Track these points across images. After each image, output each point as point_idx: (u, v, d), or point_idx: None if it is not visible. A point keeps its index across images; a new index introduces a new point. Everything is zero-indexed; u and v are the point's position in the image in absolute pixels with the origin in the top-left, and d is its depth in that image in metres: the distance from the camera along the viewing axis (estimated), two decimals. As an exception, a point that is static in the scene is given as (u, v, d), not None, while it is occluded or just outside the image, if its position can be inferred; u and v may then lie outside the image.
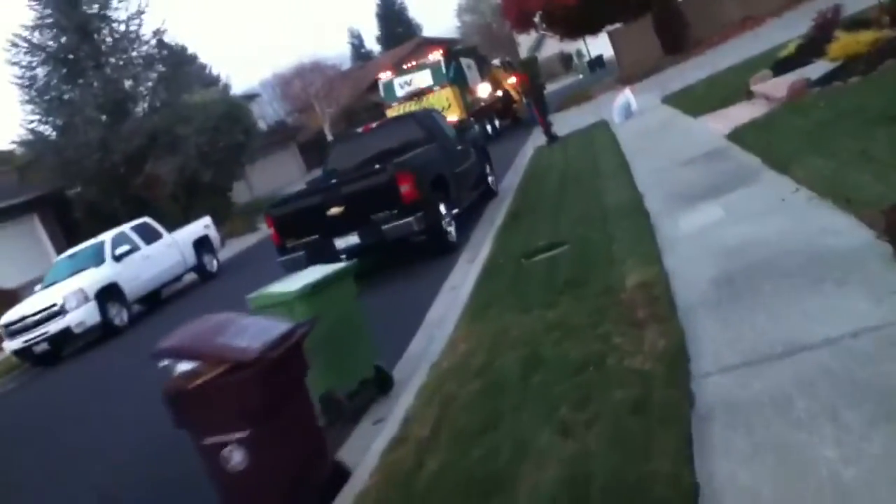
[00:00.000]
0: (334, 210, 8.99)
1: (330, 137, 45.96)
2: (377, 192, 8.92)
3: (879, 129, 6.15)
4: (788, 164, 6.58)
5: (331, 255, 9.30)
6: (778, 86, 10.17)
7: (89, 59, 27.21)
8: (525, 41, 63.01)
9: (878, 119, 6.49)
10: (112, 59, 28.22)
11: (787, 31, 17.24)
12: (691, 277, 4.91)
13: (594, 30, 30.39)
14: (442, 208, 9.64)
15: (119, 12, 28.38)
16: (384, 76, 24.72)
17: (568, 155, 13.35)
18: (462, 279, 7.96)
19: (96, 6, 27.65)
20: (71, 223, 27.06)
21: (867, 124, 6.50)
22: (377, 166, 9.49)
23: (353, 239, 9.02)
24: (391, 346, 6.36)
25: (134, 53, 28.69)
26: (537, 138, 17.95)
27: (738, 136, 8.75)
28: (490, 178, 12.96)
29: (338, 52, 70.72)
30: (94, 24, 27.64)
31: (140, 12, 28.07)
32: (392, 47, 60.75)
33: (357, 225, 9.01)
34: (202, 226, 18.01)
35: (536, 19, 28.60)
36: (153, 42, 29.34)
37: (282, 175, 39.66)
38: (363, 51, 74.22)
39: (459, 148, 11.54)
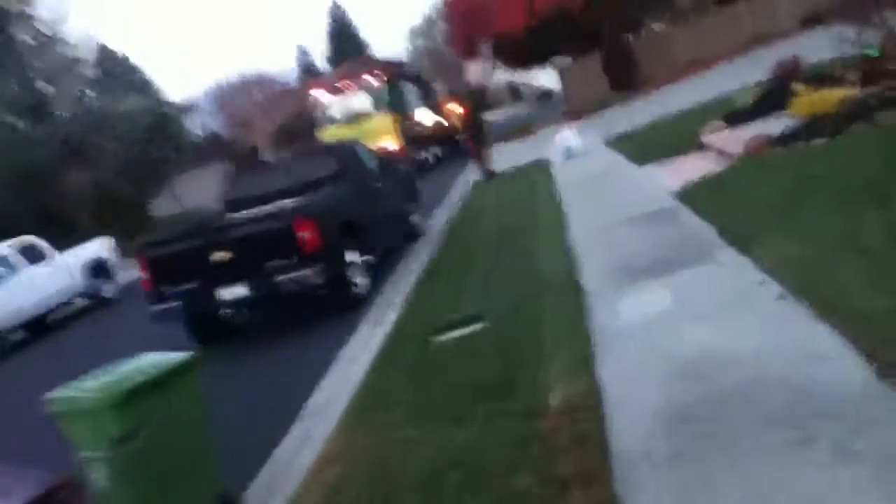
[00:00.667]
0: (219, 255, 7.57)
1: (264, 156, 44.30)
2: (272, 238, 7.55)
3: (863, 209, 5.09)
4: (751, 241, 5.49)
5: (212, 307, 7.89)
6: (733, 140, 9.21)
7: (5, 58, 25.13)
8: (474, 69, 62.59)
9: (858, 194, 5.44)
10: (31, 61, 26.17)
11: (737, 77, 16.55)
12: (633, 405, 3.69)
13: (541, 62, 29.68)
14: (351, 257, 8.31)
15: (41, 11, 26.33)
16: (319, 95, 23.32)
17: (503, 197, 12.20)
18: (361, 350, 6.63)
19: (17, 3, 25.63)
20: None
21: (845, 200, 5.45)
22: (274, 210, 8.13)
23: (239, 290, 7.61)
24: (255, 447, 5.00)
25: (56, 56, 26.65)
26: (476, 172, 16.79)
27: (689, 195, 7.70)
28: (417, 218, 11.69)
29: (287, 69, 69.18)
30: (11, 21, 25.58)
31: (65, 12, 26.08)
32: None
33: (246, 274, 7.61)
34: (99, 246, 16.23)
35: (484, 48, 27.72)
36: (78, 46, 27.34)
37: (213, 188, 37.73)
38: (311, 69, 72.66)
39: (381, 186, 10.24)
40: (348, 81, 23.43)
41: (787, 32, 23.16)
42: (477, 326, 5.84)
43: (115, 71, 53.51)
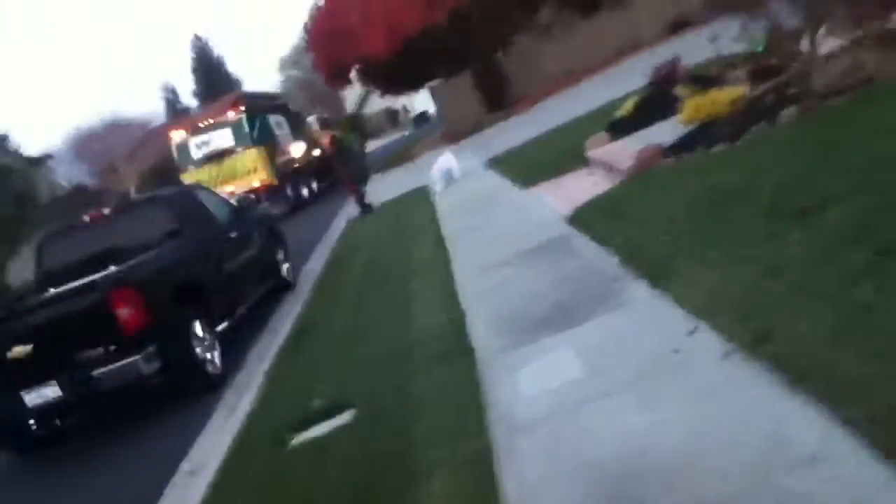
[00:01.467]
0: (18, 350, 5.97)
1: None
2: (83, 319, 6.03)
3: (790, 224, 4.19)
4: (663, 273, 4.52)
5: (19, 417, 6.24)
6: (620, 152, 8.38)
7: None
8: (351, 96, 61.44)
9: (779, 205, 4.56)
10: None
11: (612, 87, 16.11)
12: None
13: (413, 85, 28.84)
14: (197, 328, 6.87)
15: None
16: (176, 136, 21.42)
17: (380, 233, 11.00)
18: (207, 456, 5.24)
19: None
20: None
21: (767, 214, 4.56)
22: (82, 283, 6.60)
23: (49, 391, 6.02)
24: None
25: None
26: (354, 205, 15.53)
27: (582, 219, 6.75)
28: (285, 266, 10.30)
29: (151, 109, 65.71)
30: None
31: None
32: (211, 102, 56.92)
33: (56, 370, 6.04)
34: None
35: (353, 74, 26.59)
36: None
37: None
38: (178, 106, 69.45)
39: (235, 235, 8.82)
40: (208, 118, 21.69)
41: (654, 39, 23.25)
42: (345, 417, 4.58)
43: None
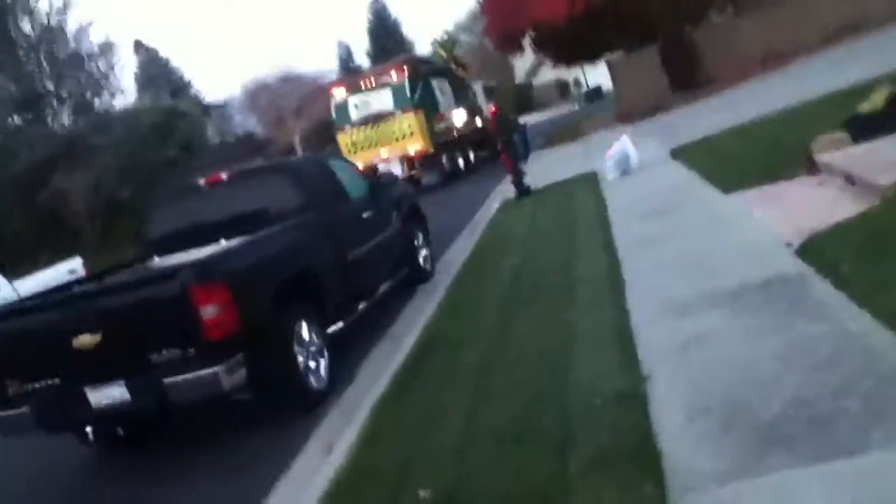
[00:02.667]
0: (85, 339, 4.91)
1: (300, 152, 42.04)
2: (161, 313, 4.87)
3: None
4: None
5: (81, 416, 5.21)
6: (872, 160, 6.24)
7: (1, 52, 23.14)
8: (521, 65, 59.48)
9: None
10: (32, 55, 24.14)
11: (829, 75, 13.43)
12: None
13: (590, 57, 26.63)
14: (303, 330, 5.60)
15: (41, 3, 24.23)
16: (336, 93, 20.62)
17: (536, 226, 9.34)
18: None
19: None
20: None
21: None
22: (163, 268, 5.48)
23: (116, 392, 4.94)
24: None
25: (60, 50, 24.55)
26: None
27: (823, 253, 4.81)
28: (423, 253, 8.93)
29: (326, 66, 67.03)
30: (10, 14, 23.53)
31: (66, 5, 23.99)
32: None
33: (126, 368, 4.95)
34: (66, 271, 13.81)
35: (525, 41, 24.77)
36: (84, 39, 25.20)
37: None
38: (352, 65, 70.49)
39: (368, 215, 7.52)
40: (369, 78, 20.74)
41: (881, 22, 19.74)
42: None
43: (152, 70, 52.22)
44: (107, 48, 25.24)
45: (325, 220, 6.60)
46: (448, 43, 40.89)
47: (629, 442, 3.32)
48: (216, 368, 4.74)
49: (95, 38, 30.96)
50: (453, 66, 26.72)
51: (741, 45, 22.68)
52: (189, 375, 4.75)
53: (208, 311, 4.77)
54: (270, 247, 5.73)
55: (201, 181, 6.93)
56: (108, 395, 4.98)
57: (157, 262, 6.84)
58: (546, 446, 3.52)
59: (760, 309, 4.34)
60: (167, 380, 4.79)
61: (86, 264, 14.45)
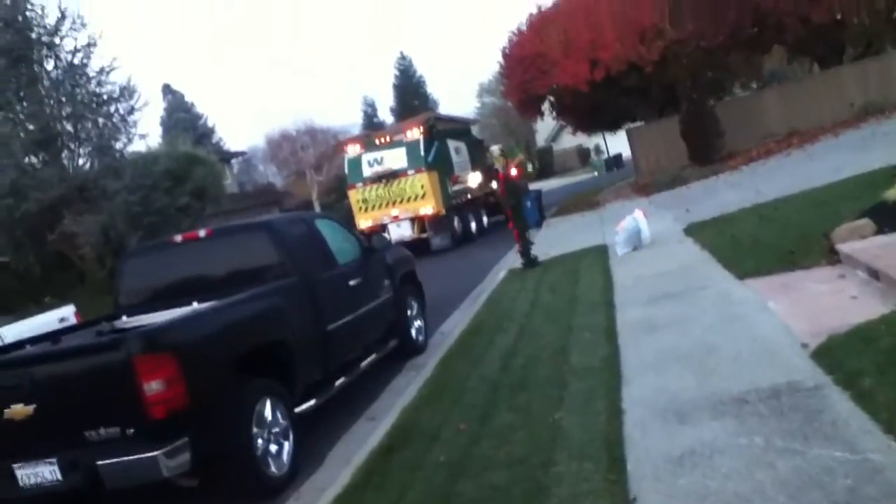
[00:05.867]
0: (17, 410, 4.45)
1: (317, 207, 42.02)
2: (100, 386, 4.41)
3: None
4: None
5: (3, 496, 4.71)
6: (899, 254, 5.73)
7: (21, 90, 23.28)
8: (543, 129, 59.72)
9: None
10: (53, 94, 24.27)
11: (852, 156, 13.01)
12: None
13: (610, 125, 26.43)
14: (266, 410, 5.10)
15: (66, 41, 24.44)
16: (351, 149, 20.44)
17: (538, 302, 8.82)
18: None
19: (42, 32, 23.84)
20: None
21: None
22: (103, 334, 5.04)
23: (46, 471, 4.45)
24: None
25: (80, 90, 24.63)
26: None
27: (841, 360, 4.29)
28: (417, 324, 8.43)
29: (350, 121, 67.62)
30: (34, 50, 23.76)
31: (90, 45, 24.20)
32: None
33: (59, 445, 4.46)
34: (56, 319, 13.41)
35: (546, 106, 24.67)
36: (106, 80, 25.33)
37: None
38: (375, 120, 71.26)
39: (356, 282, 7.06)
40: (385, 136, 20.58)
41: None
42: None
43: (177, 115, 52.99)
44: (128, 90, 25.31)
45: (305, 285, 6.16)
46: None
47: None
48: (155, 452, 4.24)
49: (119, 79, 31.19)
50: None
51: (764, 121, 22.45)
52: (123, 459, 4.25)
53: (152, 387, 4.29)
54: (235, 314, 5.27)
55: (177, 237, 6.53)
56: (38, 473, 4.49)
57: (124, 322, 6.41)
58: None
59: (768, 425, 3.80)
60: (101, 462, 4.29)
61: (79, 312, 14.08)
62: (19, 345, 5.71)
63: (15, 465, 4.50)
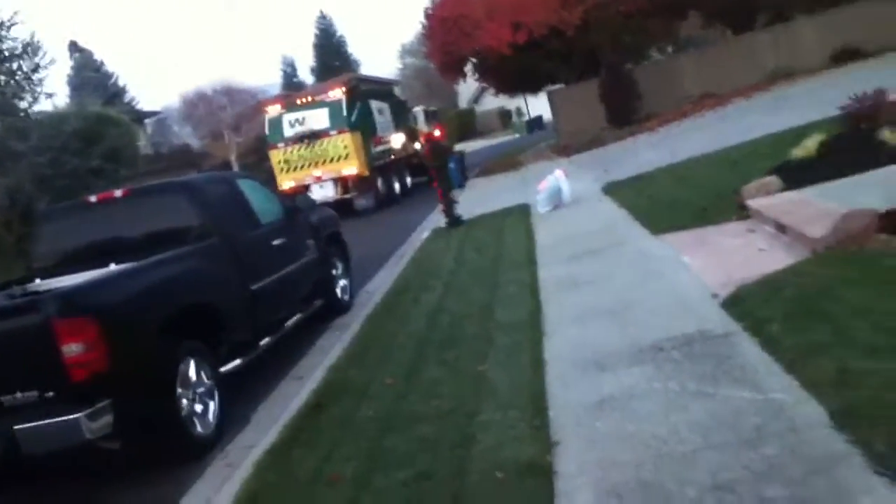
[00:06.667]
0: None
1: (235, 168, 40.99)
2: (17, 349, 4.27)
3: None
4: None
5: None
6: (803, 209, 6.04)
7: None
8: (465, 91, 59.66)
9: None
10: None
11: (765, 117, 13.56)
12: None
13: (532, 87, 26.63)
14: (190, 370, 5.04)
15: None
16: (271, 109, 19.97)
17: (462, 259, 8.94)
18: None
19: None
20: None
21: None
22: (19, 295, 4.89)
23: (-38, 439, 4.31)
24: None
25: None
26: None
27: (750, 308, 4.53)
28: (342, 283, 8.42)
29: (269, 81, 65.80)
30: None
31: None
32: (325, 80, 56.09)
33: (-26, 412, 4.32)
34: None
35: (468, 68, 24.64)
36: (8, 36, 23.85)
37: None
38: (295, 80, 69.61)
39: (279, 241, 6.99)
40: (306, 96, 20.18)
41: (813, 69, 20.28)
42: None
43: (85, 74, 50.43)
44: (32, 47, 23.92)
45: (227, 246, 6.06)
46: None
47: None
48: (77, 415, 4.15)
49: (21, 35, 29.47)
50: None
51: (680, 84, 23.04)
52: (42, 423, 4.15)
53: (72, 349, 4.18)
54: (158, 275, 5.15)
55: (92, 197, 6.31)
56: (-45, 440, 4.32)
57: (38, 285, 6.17)
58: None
59: (681, 370, 3.99)
60: (19, 427, 4.17)
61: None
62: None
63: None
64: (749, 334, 4.20)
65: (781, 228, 6.02)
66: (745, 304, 4.64)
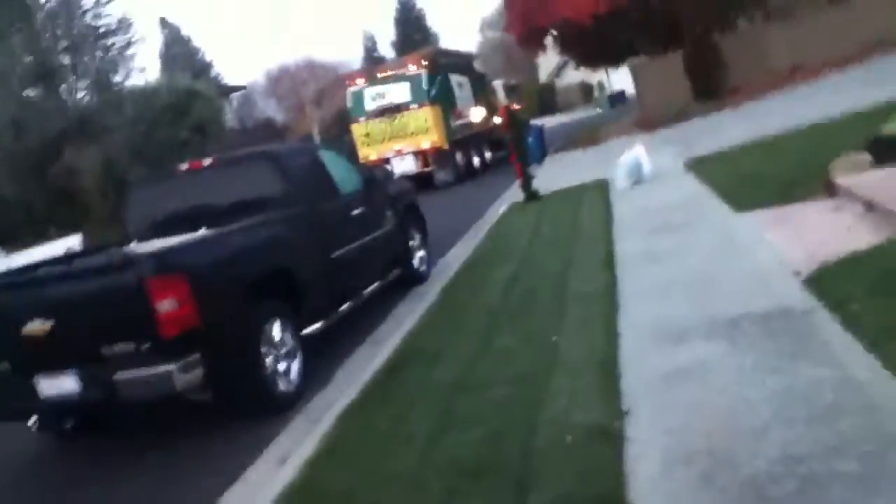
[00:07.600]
0: (36, 326, 4.63)
1: (318, 141, 41.78)
2: (115, 304, 4.58)
3: None
4: None
5: (26, 406, 4.95)
6: (893, 188, 5.82)
7: (18, 21, 22.98)
8: (546, 65, 58.84)
9: None
10: (49, 26, 23.96)
11: (856, 91, 12.94)
12: None
13: (615, 60, 26.12)
14: (274, 330, 5.28)
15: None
16: (353, 84, 20.28)
17: (540, 233, 8.97)
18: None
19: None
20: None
21: None
22: (117, 255, 5.19)
23: (66, 383, 4.66)
24: None
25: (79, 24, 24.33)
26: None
27: (833, 286, 4.42)
28: (419, 255, 8.59)
29: (351, 56, 66.68)
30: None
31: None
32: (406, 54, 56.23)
33: (77, 359, 4.66)
34: (63, 249, 13.58)
35: (549, 40, 24.33)
36: (103, 13, 24.97)
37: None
38: (375, 55, 70.19)
39: (359, 211, 7.18)
40: (387, 70, 20.39)
41: (916, 39, 19.13)
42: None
43: (174, 49, 52.16)
44: (125, 23, 24.91)
45: (309, 214, 6.28)
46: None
47: (597, 488, 2.97)
48: (169, 367, 4.44)
49: (115, 12, 30.80)
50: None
51: (769, 56, 22.14)
52: (140, 372, 4.46)
53: (164, 305, 4.46)
54: (244, 240, 5.41)
55: (182, 166, 6.62)
56: (58, 385, 4.70)
57: (135, 247, 6.55)
58: (505, 485, 3.17)
59: (760, 345, 3.96)
60: (118, 375, 4.50)
61: (86, 242, 14.26)
62: (33, 267, 5.86)
63: (36, 378, 4.70)
64: (830, 312, 4.11)
65: (870, 206, 5.82)
66: (827, 282, 4.53)
